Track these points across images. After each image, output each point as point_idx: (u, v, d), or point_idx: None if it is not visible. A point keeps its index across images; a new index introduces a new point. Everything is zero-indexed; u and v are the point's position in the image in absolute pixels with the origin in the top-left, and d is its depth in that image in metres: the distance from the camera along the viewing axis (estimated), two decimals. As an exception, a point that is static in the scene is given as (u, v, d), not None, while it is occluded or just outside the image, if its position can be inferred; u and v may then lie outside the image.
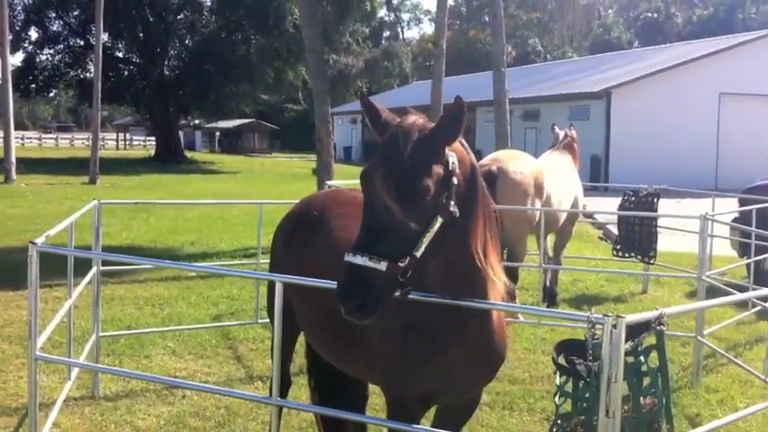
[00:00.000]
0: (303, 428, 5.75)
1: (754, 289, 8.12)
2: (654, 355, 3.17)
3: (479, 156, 12.64)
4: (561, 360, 3.07)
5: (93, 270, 6.29)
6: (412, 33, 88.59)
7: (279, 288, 3.54)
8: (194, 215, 18.86)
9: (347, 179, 15.80)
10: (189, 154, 51.02)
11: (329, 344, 4.14)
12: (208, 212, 19.33)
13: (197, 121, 62.05)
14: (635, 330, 3.09)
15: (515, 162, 9.66)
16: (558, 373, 3.11)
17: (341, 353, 4.07)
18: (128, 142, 73.84)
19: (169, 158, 43.64)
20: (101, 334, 6.61)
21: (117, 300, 9.59)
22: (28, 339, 4.25)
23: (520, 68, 54.27)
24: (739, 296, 5.86)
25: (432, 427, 3.72)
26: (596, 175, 32.30)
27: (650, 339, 3.16)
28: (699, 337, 7.07)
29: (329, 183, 11.77)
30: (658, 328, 3.09)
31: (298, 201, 4.91)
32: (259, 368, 7.14)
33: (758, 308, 8.22)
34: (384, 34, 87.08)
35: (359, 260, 2.88)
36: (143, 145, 70.10)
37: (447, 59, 20.41)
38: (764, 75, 33.78)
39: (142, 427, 5.73)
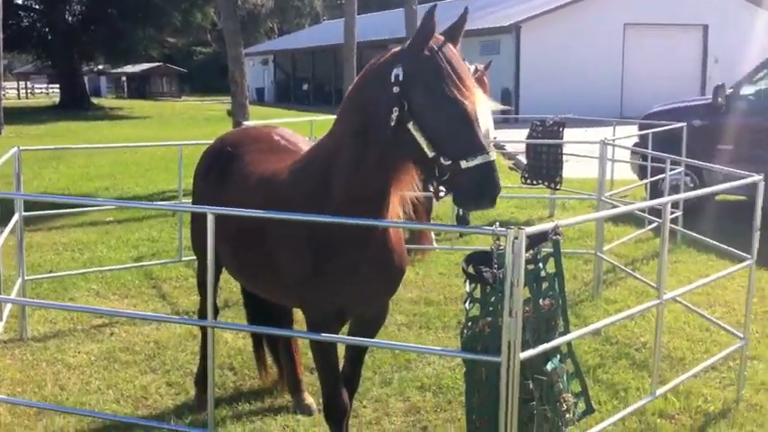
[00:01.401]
0: (231, 356, 6.00)
1: (651, 209, 8.71)
2: (552, 262, 3.51)
3: (392, 92, 12.85)
4: (470, 269, 3.38)
5: (16, 216, 6.33)
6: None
7: (210, 219, 3.75)
8: (106, 161, 18.57)
9: (262, 119, 15.89)
10: (95, 100, 49.50)
11: (244, 272, 4.44)
12: (120, 158, 19.05)
13: (101, 67, 60.02)
14: (534, 241, 3.42)
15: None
16: (467, 281, 3.42)
17: (255, 279, 4.40)
18: (29, 91, 71.03)
19: (75, 105, 42.32)
20: (26, 277, 6.67)
21: (35, 246, 9.55)
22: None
23: (432, 4, 54.13)
24: (625, 208, 6.38)
25: (350, 329, 4.16)
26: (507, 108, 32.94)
27: (548, 249, 3.50)
28: (598, 253, 7.59)
29: (245, 123, 11.82)
30: (554, 237, 3.43)
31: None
32: (184, 304, 7.33)
33: (654, 225, 8.79)
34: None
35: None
36: (46, 93, 67.58)
37: (357, -3, 20.42)
38: (666, 5, 34.77)
39: (73, 363, 5.89)
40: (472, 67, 11.39)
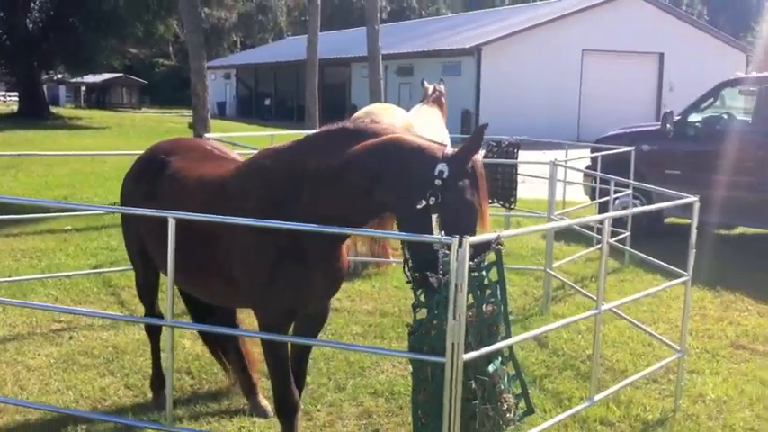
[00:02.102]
0: (189, 361, 6.13)
1: (599, 229, 9.03)
2: (494, 270, 3.74)
3: (354, 109, 13.05)
4: (416, 275, 3.60)
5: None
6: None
7: (171, 223, 3.93)
8: (65, 171, 18.51)
9: (223, 132, 15.99)
10: (54, 109, 48.95)
11: (187, 276, 4.55)
12: (79, 168, 19.00)
13: (60, 76, 59.46)
14: (478, 250, 3.65)
15: (387, 115, 10.10)
16: (413, 286, 3.64)
17: (199, 283, 4.59)
18: (-14, 98, 70.04)
19: (33, 114, 41.81)
20: (-15, 281, 6.75)
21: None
22: None
23: (394, 24, 54.83)
24: (564, 224, 6.65)
25: (294, 329, 4.44)
26: (468, 129, 33.40)
27: (491, 257, 3.74)
28: (548, 270, 7.87)
29: (207, 136, 11.96)
30: (497, 247, 3.67)
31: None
32: (142, 311, 7.36)
33: (600, 245, 9.11)
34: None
35: None
36: (3, 101, 66.71)
37: (322, 15, 20.66)
38: (624, 32, 35.72)
39: (33, 365, 5.98)
40: (431, 87, 11.70)
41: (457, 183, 3.61)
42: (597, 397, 4.95)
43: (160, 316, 5.31)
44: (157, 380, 5.40)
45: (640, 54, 37.04)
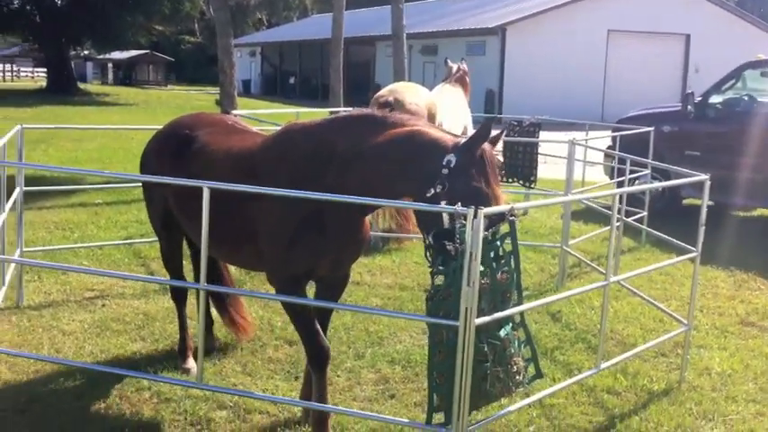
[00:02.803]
0: (216, 328, 6.41)
1: (618, 210, 9.19)
2: (508, 241, 3.96)
3: (378, 88, 13.22)
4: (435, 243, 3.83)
5: (17, 191, 6.73)
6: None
7: (206, 193, 4.16)
8: (94, 146, 18.87)
9: (249, 110, 16.26)
10: (81, 86, 49.57)
11: (220, 243, 4.73)
12: (108, 143, 19.37)
13: (87, 52, 60.00)
14: (492, 221, 3.87)
15: (410, 93, 10.30)
16: (430, 253, 3.87)
17: (230, 249, 4.83)
18: (14, 74, 70.79)
19: (62, 90, 42.41)
20: (24, 249, 7.06)
21: (28, 224, 9.76)
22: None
23: (419, 3, 54.63)
24: (571, 197, 6.80)
25: (315, 297, 4.74)
26: (491, 108, 33.48)
27: (505, 228, 3.96)
28: (564, 247, 8.07)
29: (234, 113, 12.21)
30: (510, 218, 3.89)
31: None
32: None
33: (619, 223, 9.27)
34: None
35: None
36: (31, 77, 67.46)
37: (347, -7, 20.77)
38: (648, 13, 35.46)
39: (68, 330, 6.29)
40: (455, 66, 11.86)
41: (463, 171, 3.85)
42: (604, 365, 5.16)
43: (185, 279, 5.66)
44: (184, 345, 5.69)
45: (666, 35, 36.81)
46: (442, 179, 3.85)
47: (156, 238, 8.80)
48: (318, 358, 4.48)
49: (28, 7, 44.51)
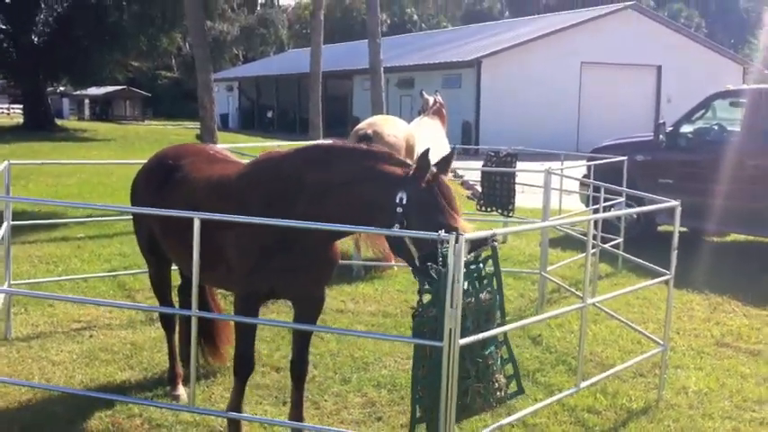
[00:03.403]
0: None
1: (594, 236, 9.41)
2: (490, 263, 4.14)
3: (357, 121, 13.45)
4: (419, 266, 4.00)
5: (5, 225, 6.83)
6: (288, 0, 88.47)
7: (197, 224, 4.34)
8: (73, 181, 18.93)
9: (229, 144, 16.39)
10: (58, 122, 49.52)
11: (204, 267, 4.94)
12: (86, 179, 19.43)
13: (63, 88, 60.06)
14: (475, 245, 4.05)
15: (389, 126, 10.51)
16: (416, 275, 4.04)
17: (207, 269, 4.85)
18: (-10, 110, 70.57)
19: (39, 126, 42.33)
20: (14, 281, 7.15)
21: (11, 258, 9.92)
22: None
23: (396, 38, 55.40)
24: (545, 224, 6.98)
25: (294, 320, 5.00)
26: (468, 140, 33.88)
27: (487, 252, 4.14)
28: (543, 273, 8.26)
29: (219, 146, 12.35)
30: (492, 243, 4.07)
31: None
32: (156, 313, 7.78)
33: (596, 249, 9.48)
34: (260, 1, 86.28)
35: None
36: (7, 113, 67.25)
37: (324, 28, 21.07)
38: (620, 45, 36.21)
39: (57, 360, 6.37)
40: (431, 99, 12.12)
41: (416, 206, 4.04)
42: (583, 384, 5.33)
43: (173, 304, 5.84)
44: (174, 372, 5.79)
45: (638, 66, 37.55)
46: (399, 217, 4.06)
47: (140, 270, 9.06)
48: (244, 369, 4.84)
49: (5, 44, 44.53)
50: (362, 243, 9.21)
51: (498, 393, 4.05)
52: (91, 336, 7.05)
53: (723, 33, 68.07)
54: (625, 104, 36.53)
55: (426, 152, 4.09)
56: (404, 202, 4.05)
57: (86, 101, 71.23)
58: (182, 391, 5.67)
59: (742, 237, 12.68)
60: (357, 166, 4.32)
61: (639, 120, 35.84)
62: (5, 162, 7.05)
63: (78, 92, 64.80)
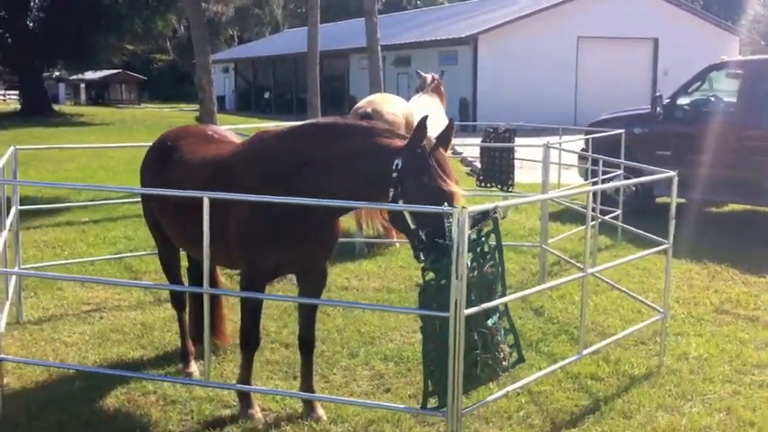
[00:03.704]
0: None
1: (594, 209, 9.54)
2: (492, 237, 4.25)
3: (354, 100, 13.54)
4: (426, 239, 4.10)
5: (14, 209, 6.93)
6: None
7: (206, 203, 4.45)
8: (74, 166, 18.99)
9: (230, 125, 16.45)
10: (56, 107, 49.46)
11: (196, 243, 5.05)
12: (86, 163, 19.50)
13: (58, 73, 59.91)
14: (477, 219, 4.16)
15: (388, 104, 10.60)
16: (422, 250, 4.14)
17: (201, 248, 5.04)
18: (-14, 97, 70.42)
19: (37, 112, 42.23)
20: (22, 266, 7.27)
21: (10, 247, 10.00)
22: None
23: (392, 15, 55.16)
24: (541, 196, 7.09)
25: (299, 294, 5.15)
26: (465, 117, 33.92)
27: (488, 227, 4.25)
28: (543, 246, 8.38)
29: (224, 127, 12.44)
30: (494, 216, 4.18)
31: None
32: (164, 294, 7.91)
33: (596, 221, 9.60)
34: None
35: None
36: (3, 99, 67.10)
37: (320, 7, 21.02)
38: (616, 19, 36.10)
39: (70, 341, 6.50)
40: (429, 76, 12.18)
41: (412, 172, 4.15)
42: (585, 352, 5.47)
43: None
44: (186, 350, 5.92)
45: (635, 40, 37.48)
46: (394, 182, 4.18)
47: (145, 252, 9.18)
48: (251, 344, 5.01)
49: (0, 30, 44.38)
50: (363, 218, 9.33)
51: (504, 363, 4.19)
52: (101, 317, 7.18)
53: (720, 5, 67.78)
54: (622, 78, 36.47)
55: (424, 119, 4.19)
56: (399, 167, 4.18)
57: (82, 85, 71.06)
58: (194, 368, 5.81)
59: (739, 206, 12.81)
60: (357, 143, 4.44)
61: (637, 93, 35.82)
62: (11, 147, 7.14)
63: (74, 76, 64.62)
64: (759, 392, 5.58)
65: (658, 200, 12.45)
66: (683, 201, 12.68)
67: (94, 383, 5.52)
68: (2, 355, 5.01)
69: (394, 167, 4.18)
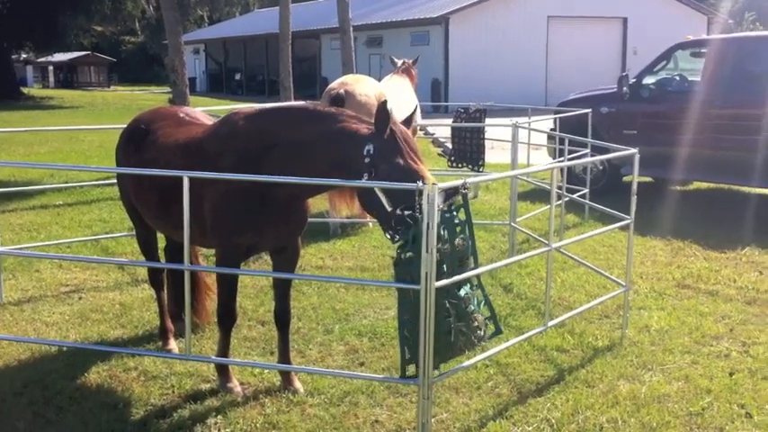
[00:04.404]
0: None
1: (560, 187, 9.77)
2: (462, 211, 4.45)
3: (325, 82, 13.67)
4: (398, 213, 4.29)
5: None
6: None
7: (186, 182, 4.59)
8: (45, 150, 18.94)
9: (199, 107, 16.50)
10: (24, 90, 48.97)
11: (167, 221, 5.40)
12: (58, 146, 19.46)
13: (26, 56, 59.16)
14: (448, 194, 4.35)
15: (360, 85, 10.73)
16: (394, 224, 4.32)
17: (178, 228, 5.13)
18: (-48, 80, 69.33)
19: (5, 95, 41.83)
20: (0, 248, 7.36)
21: (-8, 227, 10.11)
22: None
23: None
24: (510, 172, 7.28)
25: (272, 269, 5.35)
26: (437, 98, 34.10)
27: (458, 201, 4.44)
28: (512, 224, 8.61)
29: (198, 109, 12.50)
30: (463, 191, 4.38)
31: None
32: (143, 274, 8.02)
33: (563, 200, 9.83)
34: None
35: None
36: (-29, 82, 66.14)
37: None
38: (586, -2, 36.45)
39: (50, 321, 6.63)
40: (399, 62, 12.33)
41: (383, 155, 4.35)
42: (550, 323, 5.71)
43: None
44: (165, 327, 6.08)
45: (604, 19, 37.84)
46: (368, 167, 4.37)
47: (121, 234, 9.30)
48: (227, 319, 5.19)
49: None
50: (335, 206, 9.50)
51: (478, 332, 4.41)
52: (80, 298, 7.30)
53: (688, -16, 68.31)
54: (592, 58, 36.84)
55: (384, 103, 4.38)
56: (371, 152, 4.36)
57: (50, 68, 70.27)
58: (173, 345, 5.97)
59: (704, 184, 13.14)
60: (327, 127, 4.60)
61: (607, 73, 36.11)
62: (-13, 132, 7.22)
63: (42, 59, 63.87)
64: (716, 362, 5.85)
65: (625, 179, 12.72)
66: (648, 179, 13.01)
67: (76, 361, 5.66)
68: (-14, 334, 5.12)
69: (365, 152, 4.36)
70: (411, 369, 4.40)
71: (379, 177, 4.31)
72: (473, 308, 4.41)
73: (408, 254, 4.18)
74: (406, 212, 4.16)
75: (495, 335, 4.74)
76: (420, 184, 4.13)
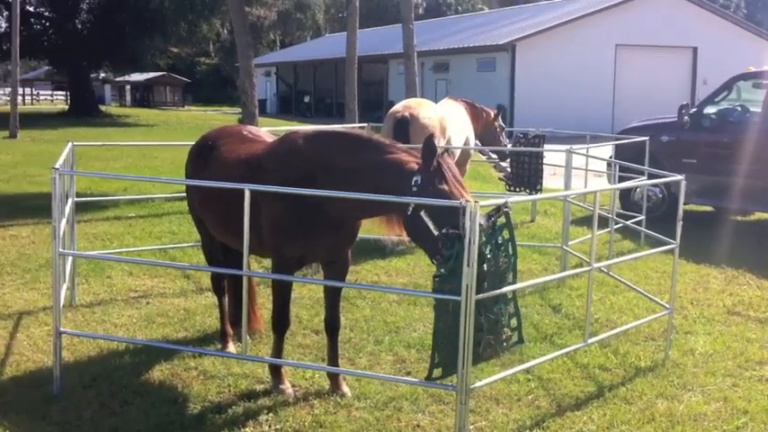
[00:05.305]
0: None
1: (618, 215, 9.89)
2: (506, 231, 4.70)
3: (391, 105, 14.10)
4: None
5: (70, 201, 7.55)
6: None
7: (247, 194, 4.96)
8: (120, 165, 19.75)
9: (265, 128, 17.04)
10: (102, 108, 50.77)
11: (230, 232, 5.77)
12: (132, 163, 20.25)
13: (103, 75, 61.37)
14: (490, 213, 4.62)
15: (423, 108, 11.05)
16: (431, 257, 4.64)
17: (238, 237, 5.44)
18: (35, 97, 72.27)
19: (84, 112, 43.47)
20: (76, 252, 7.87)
21: (67, 235, 10.67)
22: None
23: (431, 21, 55.67)
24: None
25: (324, 278, 5.72)
26: (503, 123, 34.19)
27: (501, 220, 4.69)
28: (564, 247, 8.78)
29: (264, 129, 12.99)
30: (505, 210, 4.63)
31: None
32: (206, 283, 8.44)
33: (618, 225, 9.94)
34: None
35: None
36: (50, 99, 68.84)
37: (360, 12, 21.47)
38: (655, 27, 36.20)
39: (119, 323, 7.08)
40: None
41: (428, 185, 4.68)
42: (591, 340, 5.89)
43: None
44: (224, 330, 6.45)
45: (674, 48, 37.53)
46: (414, 196, 4.69)
47: (188, 244, 9.75)
48: (280, 326, 5.55)
49: (49, 31, 45.71)
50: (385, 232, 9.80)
51: (504, 344, 4.68)
52: (147, 303, 7.74)
53: (763, 14, 67.16)
54: (661, 86, 36.52)
55: (430, 137, 4.73)
56: (418, 183, 4.70)
57: (127, 87, 72.60)
58: (232, 348, 6.34)
59: (765, 215, 13.04)
60: (380, 156, 4.98)
61: (675, 102, 35.30)
62: (69, 143, 7.76)
63: (119, 78, 66.12)
64: (757, 386, 5.94)
65: (686, 207, 12.71)
66: (708, 208, 12.99)
67: (141, 359, 6.07)
68: (61, 329, 5.53)
69: (413, 183, 4.70)
70: (437, 372, 4.67)
71: (425, 207, 4.63)
72: (504, 322, 4.68)
73: (449, 267, 4.44)
74: (451, 231, 4.43)
75: (518, 344, 5.03)
76: (463, 201, 4.41)
